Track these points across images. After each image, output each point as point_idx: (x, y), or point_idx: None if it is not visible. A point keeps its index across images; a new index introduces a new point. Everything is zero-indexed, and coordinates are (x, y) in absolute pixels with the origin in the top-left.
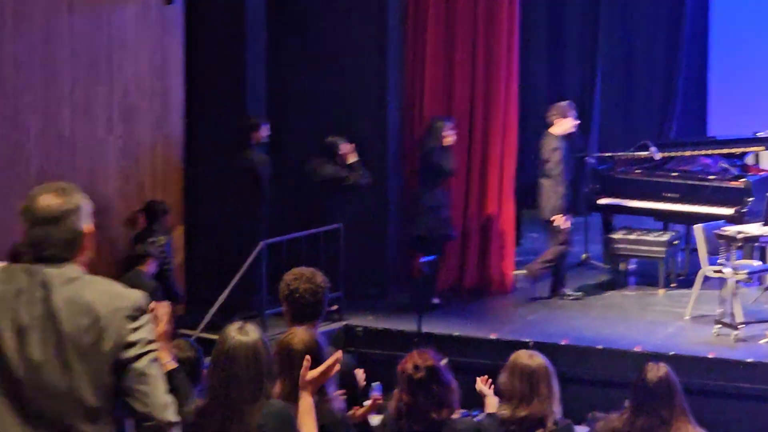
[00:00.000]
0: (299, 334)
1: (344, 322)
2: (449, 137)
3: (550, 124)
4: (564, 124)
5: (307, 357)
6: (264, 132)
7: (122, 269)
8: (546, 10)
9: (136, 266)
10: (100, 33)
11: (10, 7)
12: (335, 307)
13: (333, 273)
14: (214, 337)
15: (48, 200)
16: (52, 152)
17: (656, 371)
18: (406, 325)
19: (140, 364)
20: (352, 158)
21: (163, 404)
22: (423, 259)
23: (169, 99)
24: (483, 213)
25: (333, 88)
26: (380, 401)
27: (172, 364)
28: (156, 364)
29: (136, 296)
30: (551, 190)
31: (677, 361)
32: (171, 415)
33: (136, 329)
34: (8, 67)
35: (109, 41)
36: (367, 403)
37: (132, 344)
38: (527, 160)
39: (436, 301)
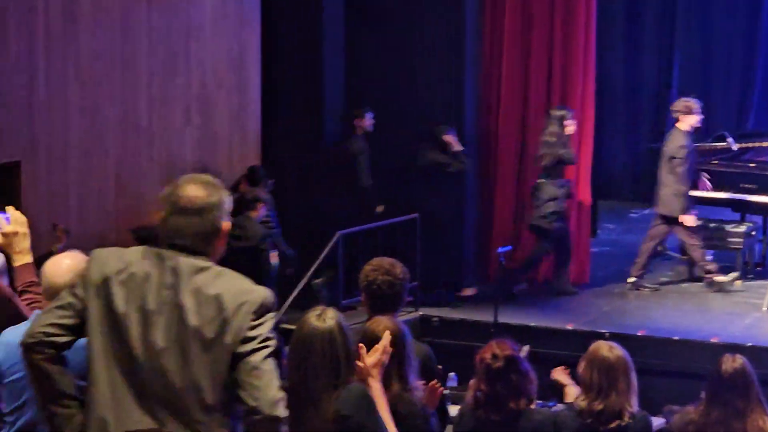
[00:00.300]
0: (384, 322)
1: (420, 312)
2: (571, 126)
3: (676, 120)
4: (690, 120)
5: (360, 345)
6: (368, 121)
7: (231, 214)
8: (623, 2)
9: (246, 211)
10: (177, 25)
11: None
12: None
13: (410, 263)
14: (291, 327)
15: (194, 191)
16: (130, 142)
17: (732, 362)
18: (482, 315)
19: (255, 358)
20: (457, 147)
21: (273, 400)
22: (500, 250)
23: (247, 91)
24: None
25: (410, 80)
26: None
27: None
28: (270, 360)
29: (263, 293)
30: (675, 188)
31: (755, 353)
32: (280, 410)
33: (257, 326)
34: (87, 59)
35: (187, 33)
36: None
37: (251, 339)
38: (603, 151)
39: (516, 290)
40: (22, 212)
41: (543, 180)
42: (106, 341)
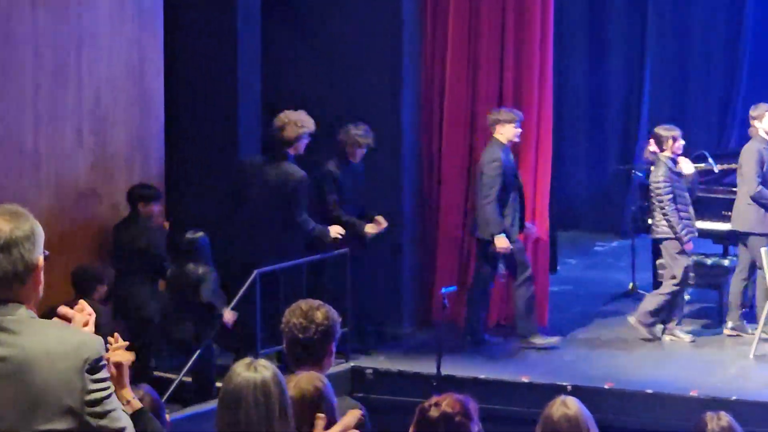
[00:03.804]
0: (299, 381)
1: (351, 363)
2: None
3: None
4: None
5: (321, 415)
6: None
7: None
8: (586, 4)
9: None
10: (68, 29)
11: None
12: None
13: (338, 305)
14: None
15: None
16: (13, 167)
17: (716, 422)
18: (423, 366)
19: (103, 420)
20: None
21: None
22: (444, 290)
23: (148, 105)
24: None
25: (340, 91)
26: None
27: (137, 404)
28: (113, 405)
29: (94, 345)
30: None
31: (740, 407)
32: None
33: (96, 380)
34: None
35: (79, 39)
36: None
37: (96, 401)
38: (563, 175)
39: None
40: None
41: None
42: None
